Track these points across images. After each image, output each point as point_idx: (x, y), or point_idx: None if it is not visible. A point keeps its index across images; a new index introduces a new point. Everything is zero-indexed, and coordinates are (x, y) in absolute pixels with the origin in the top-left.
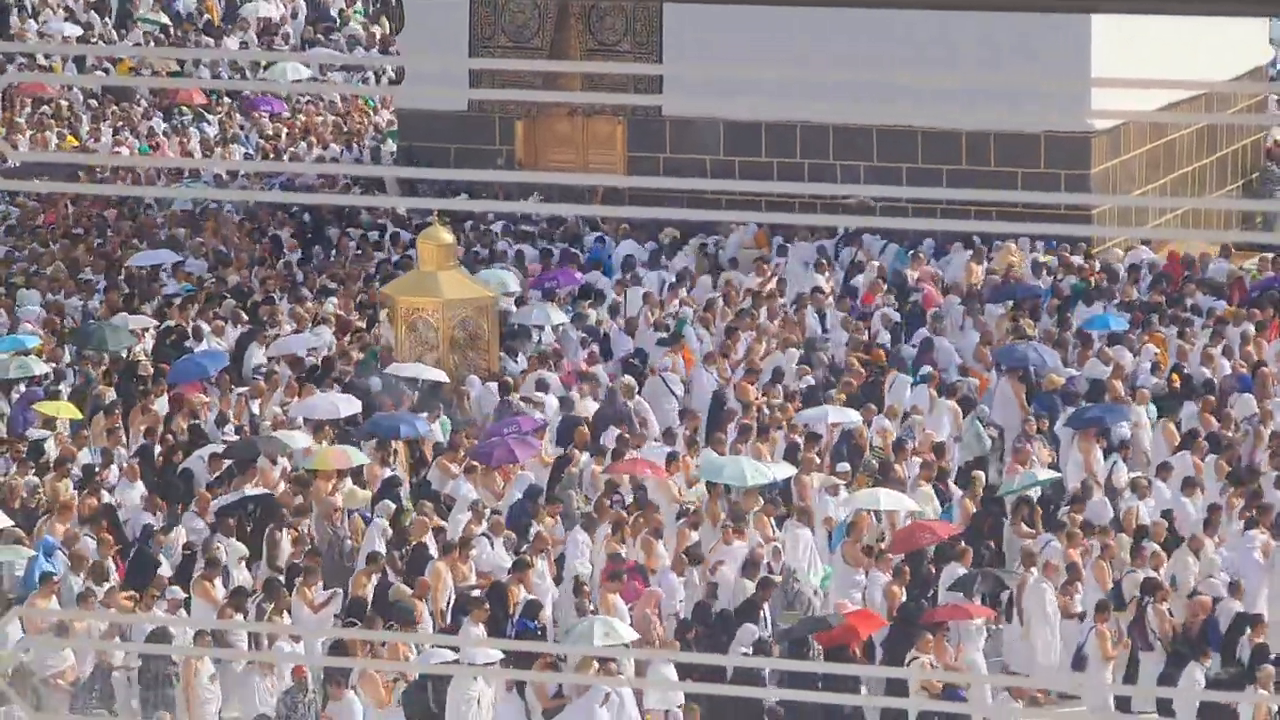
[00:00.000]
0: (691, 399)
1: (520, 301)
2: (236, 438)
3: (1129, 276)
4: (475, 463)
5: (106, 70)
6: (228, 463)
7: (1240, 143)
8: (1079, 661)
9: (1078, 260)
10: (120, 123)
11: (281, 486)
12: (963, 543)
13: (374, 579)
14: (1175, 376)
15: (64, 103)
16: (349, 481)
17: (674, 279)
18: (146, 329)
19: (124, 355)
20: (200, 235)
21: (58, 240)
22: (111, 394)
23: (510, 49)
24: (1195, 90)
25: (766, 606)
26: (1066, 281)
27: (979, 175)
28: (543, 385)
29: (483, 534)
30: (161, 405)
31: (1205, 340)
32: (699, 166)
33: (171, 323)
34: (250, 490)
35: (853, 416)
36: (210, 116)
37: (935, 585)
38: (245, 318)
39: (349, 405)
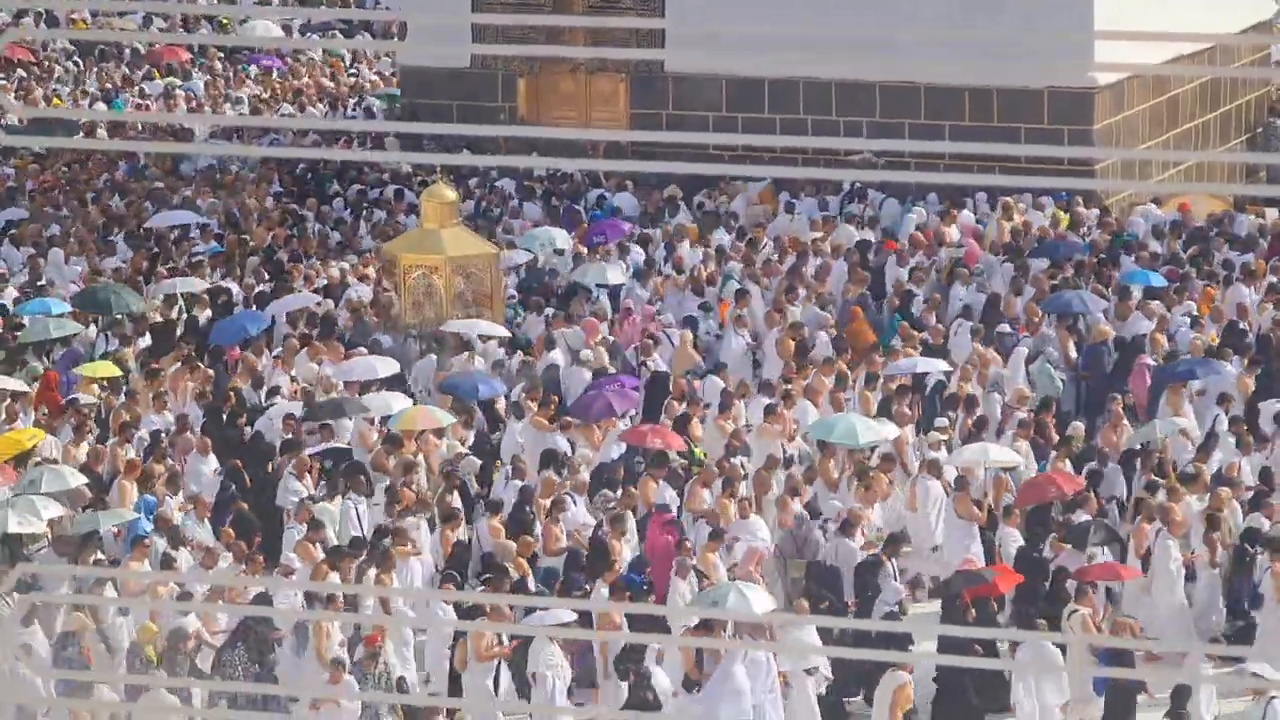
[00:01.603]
0: (724, 358)
1: (579, 258)
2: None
3: (1172, 232)
4: (572, 418)
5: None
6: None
7: (1245, 97)
8: (1255, 601)
9: (1085, 212)
10: (109, 84)
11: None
12: (1091, 494)
13: (456, 535)
14: (1211, 336)
15: (44, 64)
16: (445, 440)
17: (736, 237)
18: (199, 293)
19: (146, 317)
20: (215, 194)
21: (69, 203)
22: (140, 357)
23: (513, 5)
24: (1199, 44)
25: (893, 563)
26: (1099, 236)
27: (982, 130)
28: (550, 343)
29: (566, 493)
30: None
31: (1249, 295)
32: (702, 122)
33: (209, 285)
34: (329, 445)
35: (942, 366)
36: (195, 74)
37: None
38: (268, 277)
39: (387, 366)
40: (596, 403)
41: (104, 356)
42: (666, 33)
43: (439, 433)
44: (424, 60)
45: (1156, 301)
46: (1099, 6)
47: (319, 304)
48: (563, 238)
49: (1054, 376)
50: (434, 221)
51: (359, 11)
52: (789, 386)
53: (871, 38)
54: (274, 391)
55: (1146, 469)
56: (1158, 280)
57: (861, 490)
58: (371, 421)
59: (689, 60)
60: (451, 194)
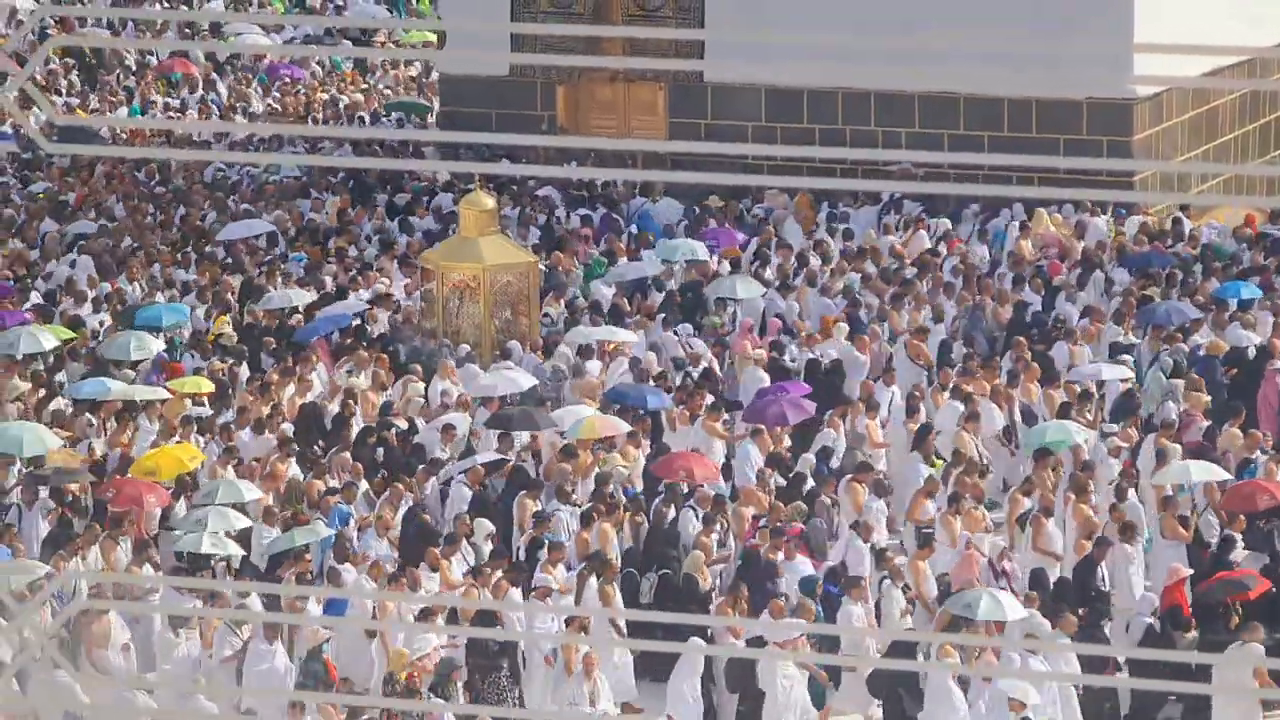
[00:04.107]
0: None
1: (718, 271)
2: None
3: (1258, 244)
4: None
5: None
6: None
7: None
8: None
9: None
10: (120, 92)
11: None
12: None
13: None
14: None
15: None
16: (618, 455)
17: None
18: (298, 307)
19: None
20: (280, 205)
21: (134, 216)
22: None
23: (552, 13)
24: (1238, 56)
25: (1104, 565)
26: (1183, 248)
27: (1021, 141)
28: (586, 352)
29: (689, 506)
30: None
31: None
32: (740, 132)
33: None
34: (490, 456)
35: (1124, 372)
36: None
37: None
38: (329, 284)
39: (526, 379)
40: (771, 408)
41: (196, 371)
42: (706, 42)
43: (636, 443)
44: (463, 68)
45: (1255, 311)
46: (1138, 18)
47: (368, 312)
48: (701, 249)
49: (1164, 384)
50: (472, 230)
51: (388, 21)
52: (968, 388)
53: (911, 48)
54: (387, 407)
55: None
56: (1251, 291)
57: (1079, 500)
58: (562, 433)
59: (728, 69)
60: (490, 202)
